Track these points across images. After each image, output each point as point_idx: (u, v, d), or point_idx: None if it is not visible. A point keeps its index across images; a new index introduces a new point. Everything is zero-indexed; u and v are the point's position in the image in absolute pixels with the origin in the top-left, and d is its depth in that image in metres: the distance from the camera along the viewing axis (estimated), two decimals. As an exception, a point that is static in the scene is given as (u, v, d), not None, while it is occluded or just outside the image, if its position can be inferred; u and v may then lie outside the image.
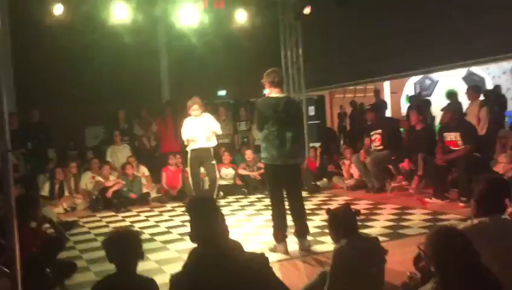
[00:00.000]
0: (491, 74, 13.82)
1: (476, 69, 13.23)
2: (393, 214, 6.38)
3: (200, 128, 7.49)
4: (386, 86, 15.94)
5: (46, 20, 9.53)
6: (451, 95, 9.89)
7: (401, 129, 8.91)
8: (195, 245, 2.51)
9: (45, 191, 8.31)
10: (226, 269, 2.30)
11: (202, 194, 7.06)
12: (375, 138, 8.24)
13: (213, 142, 7.67)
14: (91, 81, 10.85)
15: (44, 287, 4.12)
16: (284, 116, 4.82)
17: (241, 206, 7.84)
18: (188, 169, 7.76)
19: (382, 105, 11.37)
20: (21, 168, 8.75)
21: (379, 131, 8.19)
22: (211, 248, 2.38)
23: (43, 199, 8.03)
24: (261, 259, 2.45)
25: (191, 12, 8.90)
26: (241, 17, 9.71)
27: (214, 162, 7.69)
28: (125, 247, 2.69)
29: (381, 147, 8.14)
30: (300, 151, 5.18)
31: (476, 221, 2.64)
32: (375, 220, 6.08)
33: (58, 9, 8.41)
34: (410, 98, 11.56)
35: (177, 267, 4.44)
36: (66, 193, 8.42)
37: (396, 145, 8.05)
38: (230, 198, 8.54)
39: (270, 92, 4.98)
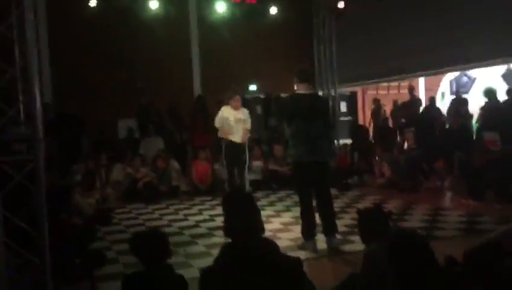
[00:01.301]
0: (532, 71, 13.25)
1: (517, 66, 12.71)
2: (426, 214, 6.20)
3: (239, 122, 7.22)
4: (421, 82, 15.54)
5: (81, 13, 9.71)
6: (490, 93, 9.54)
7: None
8: (224, 240, 2.47)
9: (77, 181, 8.43)
10: (259, 266, 2.25)
11: (238, 189, 6.95)
12: (409, 136, 8.03)
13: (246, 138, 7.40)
14: (124, 73, 10.98)
15: (74, 277, 4.17)
16: (310, 113, 4.75)
17: (270, 201, 7.79)
18: (223, 161, 7.48)
19: (417, 102, 11.08)
20: (56, 158, 8.94)
21: (412, 129, 7.99)
22: (244, 244, 2.34)
23: (76, 187, 8.22)
24: (296, 263, 2.38)
25: (223, 6, 8.88)
26: (273, 11, 9.64)
27: (246, 158, 7.43)
28: (152, 248, 2.70)
29: (414, 146, 7.93)
30: (329, 148, 5.08)
31: None
32: (407, 220, 5.92)
33: (93, 2, 8.54)
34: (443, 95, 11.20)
35: (205, 262, 4.45)
36: (98, 184, 8.54)
37: (430, 144, 7.83)
38: (259, 193, 8.48)
39: (297, 88, 4.91)
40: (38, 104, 3.11)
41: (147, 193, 8.17)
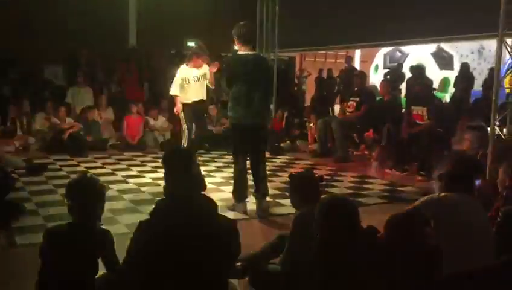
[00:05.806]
0: (459, 52, 13.95)
1: (446, 46, 13.32)
2: (352, 182, 6.42)
3: (198, 80, 6.38)
4: (357, 54, 15.90)
5: None
6: (414, 69, 9.95)
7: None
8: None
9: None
10: (197, 222, 2.24)
11: (178, 147, 6.46)
12: (351, 104, 8.19)
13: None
14: (53, 15, 10.22)
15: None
16: (252, 75, 4.66)
17: (202, 161, 7.70)
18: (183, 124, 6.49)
19: (352, 71, 11.32)
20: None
21: (357, 99, 8.15)
22: (184, 199, 2.31)
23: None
24: (232, 224, 2.38)
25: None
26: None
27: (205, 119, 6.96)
28: (91, 194, 2.55)
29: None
30: (267, 111, 5.07)
31: (442, 194, 2.63)
32: (335, 187, 6.09)
33: None
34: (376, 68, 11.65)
35: (132, 218, 4.35)
36: (19, 132, 8.04)
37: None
38: (192, 152, 8.36)
39: (239, 48, 4.76)
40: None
41: (72, 144, 7.78)
